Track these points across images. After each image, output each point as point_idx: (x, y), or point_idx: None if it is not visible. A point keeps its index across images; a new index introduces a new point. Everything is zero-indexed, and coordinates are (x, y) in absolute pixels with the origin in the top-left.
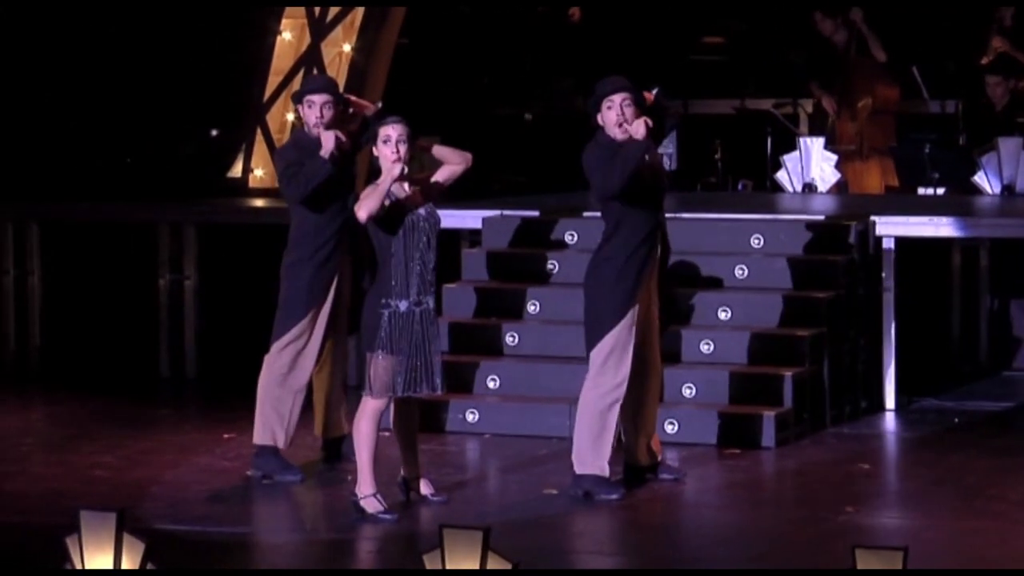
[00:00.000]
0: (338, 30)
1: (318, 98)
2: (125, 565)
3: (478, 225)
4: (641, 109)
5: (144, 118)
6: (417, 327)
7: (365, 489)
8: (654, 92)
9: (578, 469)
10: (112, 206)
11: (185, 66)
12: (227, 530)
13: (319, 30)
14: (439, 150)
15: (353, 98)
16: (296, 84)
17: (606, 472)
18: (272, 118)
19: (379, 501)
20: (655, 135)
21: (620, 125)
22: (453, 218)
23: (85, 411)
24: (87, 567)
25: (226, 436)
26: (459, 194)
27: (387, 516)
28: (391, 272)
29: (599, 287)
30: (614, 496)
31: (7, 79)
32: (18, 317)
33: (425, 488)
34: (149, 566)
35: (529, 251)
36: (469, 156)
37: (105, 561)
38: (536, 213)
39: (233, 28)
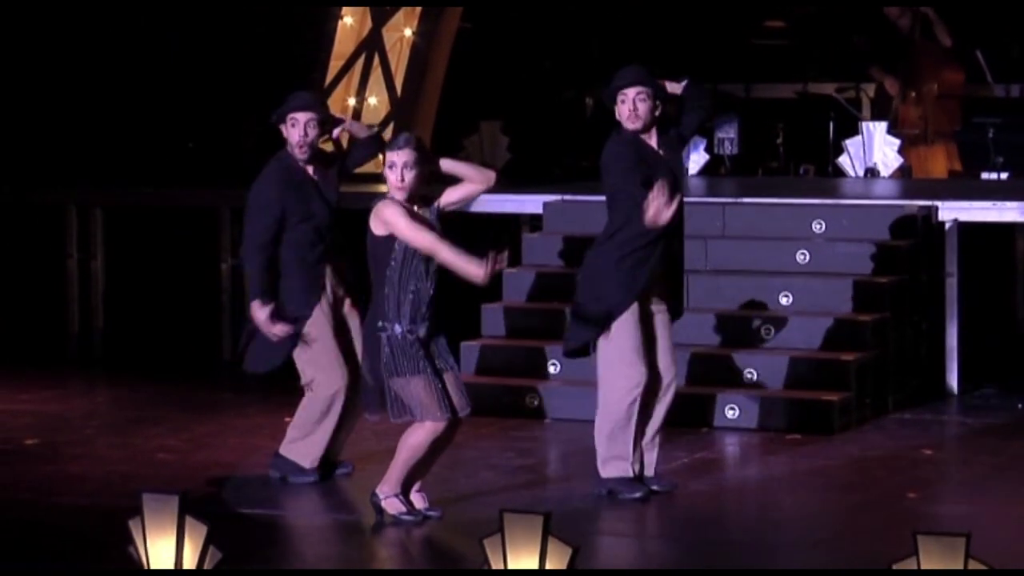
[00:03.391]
0: (399, 15)
1: (302, 116)
2: (187, 548)
3: (539, 210)
4: (662, 100)
5: (207, 103)
6: (420, 351)
7: (388, 489)
8: (683, 83)
9: (603, 473)
10: (174, 191)
11: (247, 51)
12: (290, 513)
13: (380, 15)
14: (459, 167)
15: (347, 122)
16: (358, 70)
17: (629, 472)
18: (333, 103)
19: (401, 502)
20: (678, 120)
21: (630, 119)
22: (513, 203)
23: (148, 395)
24: (150, 550)
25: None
26: (520, 179)
27: (408, 517)
28: (384, 296)
29: (599, 284)
30: (637, 495)
31: (70, 63)
32: (81, 301)
33: (419, 501)
34: (211, 549)
35: (591, 235)
36: (492, 176)
37: (168, 543)
38: (597, 197)
39: (295, 13)
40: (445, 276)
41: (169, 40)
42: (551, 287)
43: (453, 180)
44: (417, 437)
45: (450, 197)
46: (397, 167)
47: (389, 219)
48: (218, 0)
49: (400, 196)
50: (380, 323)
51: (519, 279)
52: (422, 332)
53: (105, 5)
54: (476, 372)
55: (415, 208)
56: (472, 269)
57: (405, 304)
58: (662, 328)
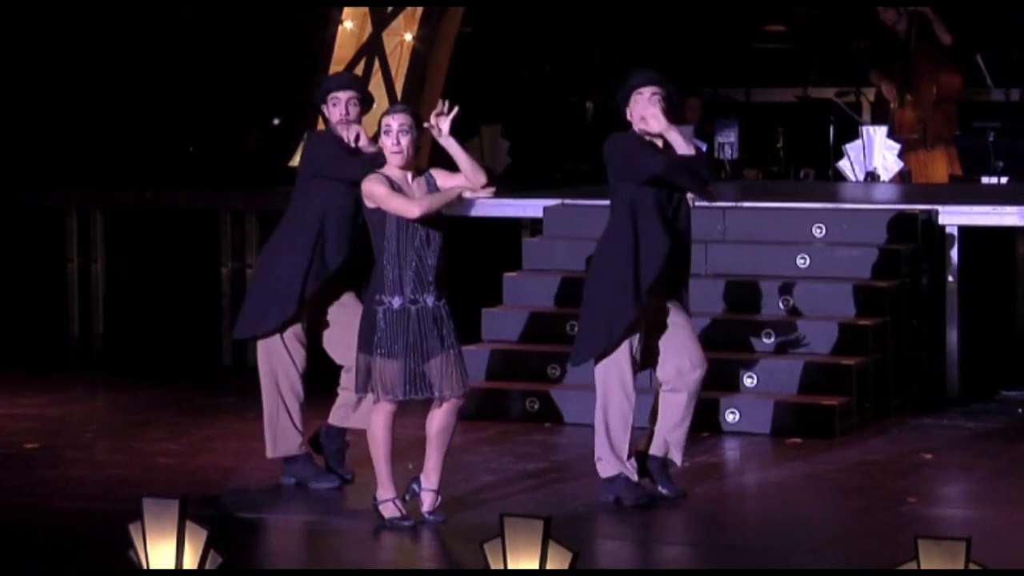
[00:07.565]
0: (400, 19)
1: (343, 94)
2: (187, 552)
3: (539, 214)
4: (671, 106)
5: (207, 107)
6: (414, 326)
7: (383, 494)
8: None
9: (601, 473)
10: (175, 194)
11: (248, 55)
12: (290, 517)
13: (381, 19)
14: (458, 154)
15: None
16: (358, 74)
17: (634, 474)
18: None
19: (397, 507)
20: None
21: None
22: (514, 207)
23: (148, 398)
24: (150, 554)
25: None
26: (521, 183)
27: (405, 523)
28: (384, 268)
29: (604, 288)
30: (644, 501)
31: (72, 67)
32: (82, 305)
33: (427, 503)
34: (212, 553)
35: (592, 240)
36: (482, 179)
37: (168, 548)
38: (598, 202)
39: (295, 17)
40: (449, 277)
41: (171, 44)
42: (552, 292)
43: (452, 164)
44: (373, 427)
45: (442, 183)
46: (393, 131)
47: (371, 192)
48: (220, 4)
49: (397, 161)
50: (377, 296)
51: (520, 283)
52: (430, 301)
53: (105, 7)
54: (476, 376)
55: (409, 177)
56: (473, 180)
57: (407, 272)
58: (673, 318)
